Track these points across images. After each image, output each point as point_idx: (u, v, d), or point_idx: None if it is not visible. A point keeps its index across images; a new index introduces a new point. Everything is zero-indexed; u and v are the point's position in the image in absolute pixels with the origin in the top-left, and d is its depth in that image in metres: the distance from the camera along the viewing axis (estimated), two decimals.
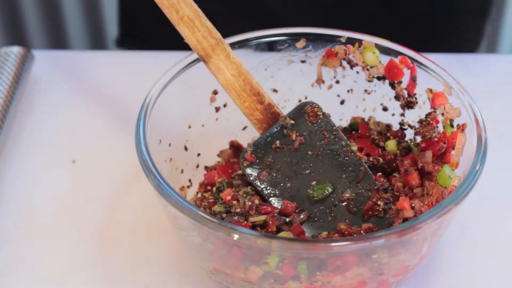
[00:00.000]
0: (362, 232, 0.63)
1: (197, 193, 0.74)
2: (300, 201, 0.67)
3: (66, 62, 0.99)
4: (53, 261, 0.73)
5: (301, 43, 0.74)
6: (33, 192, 0.80)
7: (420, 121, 0.70)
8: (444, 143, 0.67)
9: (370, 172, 0.68)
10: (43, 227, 0.76)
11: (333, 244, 0.56)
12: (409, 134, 0.74)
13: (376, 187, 0.66)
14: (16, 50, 0.93)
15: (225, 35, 0.69)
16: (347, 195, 0.67)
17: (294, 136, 0.69)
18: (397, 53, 0.71)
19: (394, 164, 0.70)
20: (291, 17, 0.92)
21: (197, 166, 0.75)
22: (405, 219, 0.62)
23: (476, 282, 0.70)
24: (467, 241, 0.74)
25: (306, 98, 0.77)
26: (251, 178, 0.68)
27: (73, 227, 0.76)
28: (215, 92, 0.74)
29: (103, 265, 0.72)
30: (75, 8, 1.80)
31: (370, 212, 0.65)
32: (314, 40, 0.74)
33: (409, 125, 0.74)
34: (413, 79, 0.71)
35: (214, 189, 0.72)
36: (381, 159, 0.70)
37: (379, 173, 0.68)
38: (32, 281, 0.71)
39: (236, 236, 0.56)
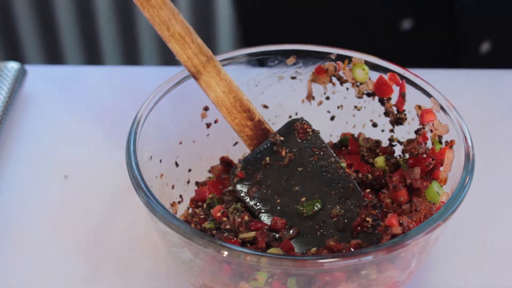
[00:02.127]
0: (351, 248, 0.63)
1: (188, 208, 0.74)
2: (289, 217, 0.67)
3: (58, 77, 1.00)
4: (44, 275, 0.73)
5: (291, 60, 0.75)
6: (25, 207, 0.80)
7: (408, 141, 0.71)
8: (433, 159, 0.68)
9: (359, 188, 0.68)
10: (34, 241, 0.76)
11: (321, 260, 0.56)
12: (399, 150, 0.75)
13: (364, 203, 0.66)
14: (9, 65, 0.93)
15: None
16: (336, 211, 0.67)
17: (284, 153, 0.69)
18: (386, 70, 0.72)
19: (383, 181, 0.70)
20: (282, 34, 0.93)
21: (188, 182, 0.76)
22: (394, 236, 0.63)
23: None
24: (456, 257, 0.74)
25: (296, 114, 0.78)
26: (241, 194, 0.68)
27: (64, 241, 0.76)
28: (206, 109, 0.74)
29: (94, 279, 0.72)
30: (70, 24, 1.81)
31: (359, 228, 0.65)
32: (304, 56, 0.75)
33: (399, 141, 0.75)
34: (402, 95, 0.71)
35: (205, 205, 0.72)
36: (370, 176, 0.70)
37: (368, 190, 0.68)
38: None
39: (225, 253, 0.56)
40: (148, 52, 1.87)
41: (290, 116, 0.77)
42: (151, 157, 0.69)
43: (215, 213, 0.67)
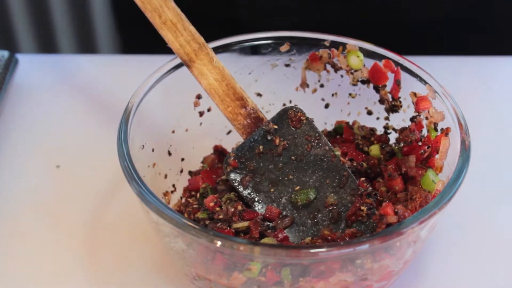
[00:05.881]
0: (345, 237, 0.63)
1: (181, 198, 0.74)
2: (283, 206, 0.67)
3: (50, 66, 0.99)
4: (37, 267, 0.72)
5: (285, 47, 0.74)
6: (17, 197, 0.79)
7: (401, 129, 0.70)
8: (428, 147, 0.67)
9: (354, 177, 0.67)
10: (27, 232, 0.75)
11: (316, 250, 0.56)
12: (394, 137, 0.74)
13: (359, 192, 0.66)
14: None
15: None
16: (330, 200, 0.66)
17: (277, 141, 0.68)
18: (381, 57, 0.71)
19: (378, 169, 0.70)
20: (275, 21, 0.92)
21: (181, 171, 0.75)
22: (389, 224, 0.62)
23: (462, 285, 0.70)
24: (451, 245, 0.74)
25: (290, 102, 0.77)
26: (235, 184, 0.68)
27: (57, 232, 0.75)
28: (198, 97, 0.74)
29: (87, 270, 0.72)
30: (63, 11, 1.79)
31: (353, 217, 0.65)
32: (298, 44, 0.74)
33: (394, 129, 0.74)
34: (397, 82, 0.71)
35: (198, 194, 0.71)
36: (364, 164, 0.70)
37: (363, 178, 0.68)
38: (16, 286, 0.70)
39: (218, 243, 0.56)
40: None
41: (284, 104, 0.77)
42: (143, 146, 0.68)
43: (208, 203, 0.66)
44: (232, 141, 0.76)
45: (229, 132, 0.77)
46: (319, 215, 0.66)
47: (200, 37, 0.67)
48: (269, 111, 0.75)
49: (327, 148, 0.68)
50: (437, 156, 0.67)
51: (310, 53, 0.74)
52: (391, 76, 0.71)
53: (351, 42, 0.72)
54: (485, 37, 1.08)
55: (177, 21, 0.66)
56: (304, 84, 0.76)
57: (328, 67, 0.74)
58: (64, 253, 0.73)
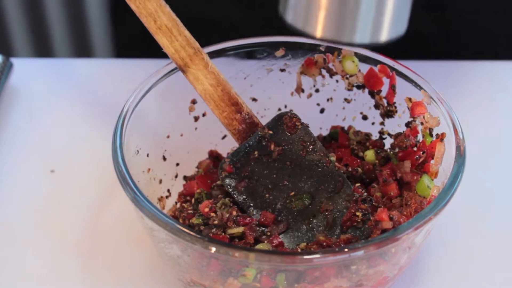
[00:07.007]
0: (340, 243, 0.63)
1: (176, 203, 0.73)
2: (278, 211, 0.67)
3: (45, 70, 0.99)
4: (31, 273, 0.72)
5: (280, 52, 0.74)
6: (10, 202, 0.79)
7: (396, 135, 0.70)
8: (423, 152, 0.67)
9: (349, 182, 0.67)
10: (20, 237, 0.75)
11: (310, 256, 0.56)
12: (389, 143, 0.74)
13: (354, 197, 0.66)
14: None
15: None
16: (325, 205, 0.66)
17: (272, 147, 0.68)
18: (376, 62, 0.71)
19: (373, 174, 0.70)
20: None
21: (176, 176, 0.75)
22: (384, 230, 0.62)
23: None
24: (446, 251, 0.74)
25: (285, 107, 0.77)
26: (230, 189, 0.68)
27: (51, 237, 0.75)
28: (193, 102, 0.73)
29: (82, 276, 0.72)
30: (58, 15, 1.79)
31: (348, 223, 0.65)
32: (293, 49, 0.74)
33: (389, 134, 0.74)
34: (392, 88, 0.71)
35: (193, 199, 0.71)
36: (360, 169, 0.70)
37: (358, 184, 0.68)
38: None
39: (213, 249, 0.56)
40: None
41: (280, 109, 0.77)
42: (138, 151, 0.68)
43: (203, 208, 0.66)
44: (227, 146, 0.76)
45: (224, 137, 0.77)
46: (314, 221, 0.66)
47: (195, 42, 0.67)
48: (264, 116, 0.75)
49: (322, 153, 0.68)
50: (432, 161, 0.67)
51: (305, 58, 0.74)
52: (386, 81, 0.71)
53: (346, 47, 0.72)
54: (480, 42, 1.08)
55: (172, 26, 0.66)
56: (299, 89, 0.76)
57: (324, 72, 0.74)
58: (59, 259, 0.73)
